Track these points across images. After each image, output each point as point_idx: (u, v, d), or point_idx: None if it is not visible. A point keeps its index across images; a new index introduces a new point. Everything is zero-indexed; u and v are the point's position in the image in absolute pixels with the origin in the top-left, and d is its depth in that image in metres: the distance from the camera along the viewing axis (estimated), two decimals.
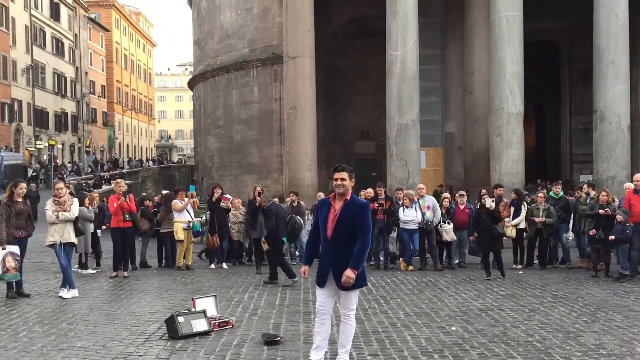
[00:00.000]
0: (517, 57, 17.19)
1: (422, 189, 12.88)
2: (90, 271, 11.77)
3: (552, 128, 28.65)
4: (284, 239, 11.00)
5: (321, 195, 14.33)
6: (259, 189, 12.20)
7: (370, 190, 13.03)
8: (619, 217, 10.43)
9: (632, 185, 11.08)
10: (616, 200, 11.69)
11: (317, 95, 19.29)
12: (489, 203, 11.30)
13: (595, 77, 17.31)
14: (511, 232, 12.30)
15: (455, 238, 12.43)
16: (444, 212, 12.42)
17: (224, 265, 12.67)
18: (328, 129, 25.27)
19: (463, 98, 21.61)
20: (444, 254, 12.61)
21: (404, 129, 17.38)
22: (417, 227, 12.08)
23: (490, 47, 17.76)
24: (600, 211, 10.76)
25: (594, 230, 10.89)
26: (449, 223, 12.29)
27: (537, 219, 12.06)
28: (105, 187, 31.61)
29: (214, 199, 12.49)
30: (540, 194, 12.63)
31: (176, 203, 12.30)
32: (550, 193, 12.97)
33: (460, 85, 21.91)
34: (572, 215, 12.53)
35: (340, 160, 26.42)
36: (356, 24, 24.73)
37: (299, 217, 11.43)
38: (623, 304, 8.39)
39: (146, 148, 79.59)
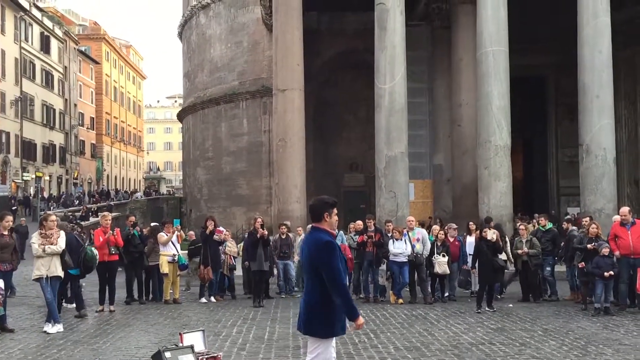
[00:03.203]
0: (503, 91, 17.43)
1: (412, 221, 12.88)
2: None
3: (539, 161, 28.92)
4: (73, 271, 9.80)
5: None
6: (260, 220, 12.22)
7: (359, 222, 13.02)
8: (605, 250, 10.47)
9: (619, 218, 11.16)
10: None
11: (306, 128, 19.38)
12: (490, 235, 11.33)
13: (580, 111, 17.56)
14: None
15: (449, 271, 12.39)
16: (439, 244, 12.39)
17: (213, 298, 12.53)
18: (317, 161, 25.35)
19: (451, 131, 21.82)
20: (436, 286, 12.54)
21: (392, 161, 17.47)
22: (407, 260, 12.04)
23: (477, 81, 18.02)
24: (589, 245, 10.80)
25: (582, 263, 10.91)
26: (444, 256, 12.25)
27: (520, 251, 12.09)
28: (92, 220, 31.33)
29: (207, 232, 12.42)
30: (522, 226, 12.68)
31: (161, 236, 12.21)
32: (539, 226, 13.03)
33: (448, 118, 22.13)
34: (560, 247, 12.55)
35: (329, 193, 26.37)
36: (345, 57, 25.05)
37: (90, 248, 10.32)
38: (613, 337, 8.36)
39: (134, 180, 79.24)
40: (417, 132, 22.32)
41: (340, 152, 26.96)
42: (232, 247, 13.29)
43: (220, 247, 12.95)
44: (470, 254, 12.48)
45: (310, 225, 4.55)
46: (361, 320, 4.30)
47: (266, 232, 12.29)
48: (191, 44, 33.52)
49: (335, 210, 4.45)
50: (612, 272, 10.32)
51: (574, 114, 18.47)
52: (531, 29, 22.22)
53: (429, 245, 12.37)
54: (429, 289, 12.34)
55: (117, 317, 10.41)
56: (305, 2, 19.14)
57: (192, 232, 15.45)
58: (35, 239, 8.91)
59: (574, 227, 12.91)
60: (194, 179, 32.67)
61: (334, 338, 4.40)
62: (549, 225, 12.84)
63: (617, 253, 10.63)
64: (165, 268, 12.08)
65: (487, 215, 16.97)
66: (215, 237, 12.65)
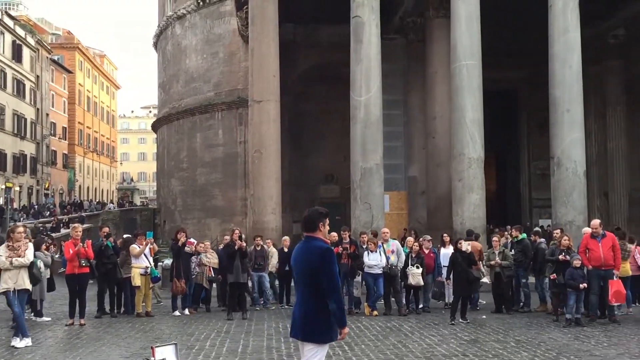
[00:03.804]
0: (477, 104, 17.66)
1: (387, 233, 12.92)
2: (45, 319, 11.33)
3: (512, 173, 29.33)
4: None
5: (286, 239, 14.28)
6: (238, 232, 12.18)
7: (334, 234, 13.01)
8: (577, 262, 10.63)
9: (589, 230, 11.35)
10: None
11: (282, 139, 19.37)
12: (465, 246, 11.41)
13: (551, 125, 17.86)
14: None
15: (423, 283, 12.43)
16: (414, 256, 12.44)
17: (186, 311, 12.38)
18: (293, 172, 25.33)
19: (426, 143, 22.01)
20: (411, 297, 12.56)
21: (367, 172, 17.53)
22: (381, 272, 12.06)
23: (451, 94, 18.23)
24: (560, 257, 10.96)
25: (554, 274, 11.05)
26: (418, 267, 12.29)
27: (492, 262, 12.21)
28: (63, 231, 30.78)
29: (179, 244, 12.28)
30: (495, 238, 12.82)
31: (133, 248, 12.06)
32: (512, 237, 13.18)
33: (422, 130, 22.33)
34: (533, 258, 12.70)
35: (305, 204, 26.39)
36: (321, 69, 25.15)
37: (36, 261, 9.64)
38: (584, 348, 8.46)
39: (107, 191, 78.17)
40: (393, 144, 22.48)
41: (316, 163, 27.00)
42: (212, 259, 13.14)
43: (194, 259, 12.82)
44: (444, 266, 12.56)
45: (305, 235, 4.65)
46: (347, 329, 4.50)
47: (244, 244, 12.23)
48: (166, 54, 33.35)
49: (327, 221, 4.63)
50: (584, 285, 10.47)
51: (545, 127, 18.78)
52: (504, 43, 22.60)
53: (403, 257, 12.42)
54: (404, 301, 12.37)
55: (88, 330, 10.21)
56: (282, 14, 19.20)
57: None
58: (2, 252, 8.71)
59: (542, 240, 13.12)
60: (168, 190, 32.38)
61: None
62: (522, 236, 13.00)
63: (589, 267, 10.78)
64: (137, 280, 11.92)
65: (461, 226, 17.16)
66: (187, 249, 12.53)
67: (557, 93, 17.53)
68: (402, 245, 13.14)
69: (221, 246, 13.35)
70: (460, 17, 17.67)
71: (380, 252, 12.14)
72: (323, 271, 4.40)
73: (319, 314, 4.40)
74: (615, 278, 10.79)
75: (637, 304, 13.15)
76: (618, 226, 21.79)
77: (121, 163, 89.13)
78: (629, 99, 24.59)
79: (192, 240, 13.32)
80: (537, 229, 18.23)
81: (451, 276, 11.79)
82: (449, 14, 18.58)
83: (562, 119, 17.43)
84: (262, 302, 13.36)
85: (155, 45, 36.30)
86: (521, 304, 12.60)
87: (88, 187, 69.88)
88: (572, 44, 17.46)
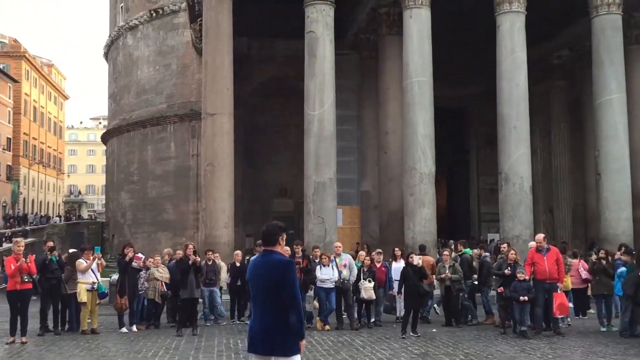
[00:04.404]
0: (428, 120, 17.99)
1: (339, 247, 12.95)
2: None
3: (462, 188, 29.94)
4: None
5: (239, 253, 14.13)
6: (191, 246, 11.99)
7: (287, 248, 12.93)
8: (520, 275, 10.90)
9: (535, 244, 11.66)
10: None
11: (235, 152, 19.24)
12: (416, 260, 11.54)
13: (499, 141, 18.37)
14: None
15: (374, 297, 12.49)
16: (365, 270, 12.49)
17: (134, 328, 12.07)
18: (246, 186, 25.17)
19: (378, 158, 22.25)
20: (363, 312, 12.60)
21: (321, 187, 17.58)
22: (334, 286, 12.07)
23: (404, 110, 18.52)
24: (505, 271, 11.23)
25: (502, 288, 11.30)
26: (370, 281, 12.34)
27: (443, 275, 12.40)
28: (6, 245, 29.64)
29: (126, 259, 11.97)
30: (446, 252, 13.04)
31: (80, 263, 11.70)
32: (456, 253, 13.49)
33: (375, 145, 22.57)
34: (477, 272, 12.98)
35: (258, 218, 26.28)
36: (276, 83, 25.18)
37: None
38: None
39: (53, 204, 75.74)
40: (346, 158, 22.63)
41: (270, 177, 26.91)
42: (163, 273, 12.88)
43: (142, 274, 12.53)
44: (396, 280, 12.67)
45: (262, 249, 4.68)
46: (304, 341, 4.55)
47: (198, 259, 12.05)
48: (117, 65, 32.77)
49: (285, 235, 4.70)
50: (525, 298, 10.72)
51: (493, 143, 19.28)
52: (455, 61, 23.15)
53: (355, 271, 12.46)
54: (356, 315, 12.39)
55: (30, 349, 9.82)
56: (236, 27, 19.17)
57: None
58: None
59: (487, 253, 13.45)
60: (117, 203, 31.66)
61: None
62: (465, 250, 13.30)
63: (527, 277, 11.06)
64: (83, 296, 11.55)
65: (412, 240, 17.36)
66: (134, 264, 12.24)
67: (505, 110, 18.05)
68: (355, 259, 13.19)
69: (173, 261, 13.09)
70: (412, 35, 18.03)
71: (332, 266, 12.15)
72: (285, 284, 4.44)
73: (281, 328, 4.42)
74: (559, 291, 11.12)
75: (580, 316, 13.56)
76: (564, 240, 22.53)
77: (68, 175, 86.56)
78: (573, 117, 25.54)
79: (139, 255, 13.03)
80: (481, 243, 18.53)
81: (402, 290, 11.89)
82: (401, 32, 18.95)
83: (509, 136, 17.94)
84: (212, 317, 13.15)
85: (106, 55, 35.62)
86: (469, 317, 12.81)
87: (33, 200, 67.53)
88: (519, 64, 18.04)
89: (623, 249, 13.21)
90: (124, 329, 11.86)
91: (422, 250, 14.05)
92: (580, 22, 20.93)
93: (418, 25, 17.99)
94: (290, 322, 4.41)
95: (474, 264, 13.26)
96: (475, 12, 19.76)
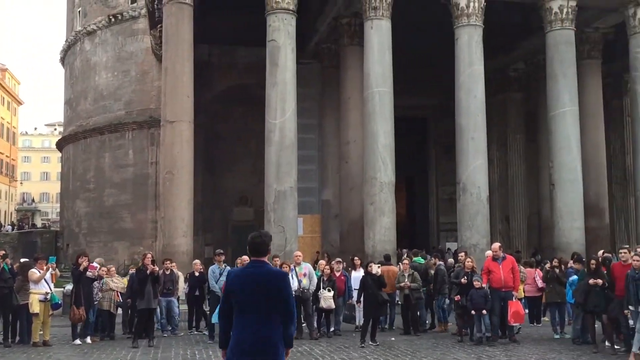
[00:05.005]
0: (388, 130, 18.18)
1: (299, 256, 12.92)
2: None
3: (421, 198, 30.29)
4: None
5: (197, 263, 13.93)
6: (150, 256, 11.79)
7: (245, 257, 12.84)
8: (477, 283, 11.09)
9: (491, 253, 11.89)
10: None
11: (195, 160, 19.03)
12: (375, 269, 11.60)
13: (457, 151, 18.69)
14: None
15: (334, 306, 12.49)
16: (325, 279, 12.48)
17: (88, 339, 11.76)
18: (206, 194, 24.90)
19: (339, 167, 22.35)
20: (322, 321, 12.58)
21: (281, 195, 17.53)
22: (293, 295, 12.01)
23: (364, 119, 18.68)
24: (462, 280, 11.41)
25: (458, 296, 11.46)
26: (329, 290, 12.34)
27: (402, 284, 12.51)
28: None
29: (80, 269, 11.67)
30: (406, 261, 13.17)
31: (33, 272, 11.36)
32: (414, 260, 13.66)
33: (336, 154, 22.67)
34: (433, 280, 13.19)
35: (218, 227, 26.04)
36: (237, 90, 25.05)
37: None
38: None
39: (5, 212, 73.40)
40: (307, 167, 22.66)
41: (230, 185, 26.69)
42: (118, 283, 12.63)
43: (96, 284, 12.24)
44: (355, 289, 12.70)
45: (251, 259, 4.63)
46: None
47: (157, 268, 11.86)
48: (74, 70, 32.08)
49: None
50: (484, 311, 10.90)
51: (451, 153, 19.60)
52: (415, 72, 23.50)
53: (315, 280, 12.45)
54: (315, 324, 12.37)
55: None
56: (197, 34, 19.01)
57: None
58: None
59: (441, 262, 13.67)
60: (72, 211, 30.88)
61: None
62: (415, 259, 13.51)
63: (484, 285, 11.27)
64: (35, 307, 11.20)
65: (372, 249, 17.46)
66: (89, 273, 11.95)
67: (463, 122, 18.39)
68: (314, 269, 13.18)
69: (132, 270, 12.87)
70: (373, 46, 18.22)
71: (292, 275, 12.10)
72: (284, 297, 4.47)
73: (276, 338, 4.42)
74: (514, 299, 11.35)
75: (535, 323, 13.85)
76: (518, 249, 23.04)
77: (21, 183, 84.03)
78: (528, 129, 26.21)
79: (94, 264, 12.73)
80: (435, 252, 18.74)
81: (361, 299, 11.93)
82: (362, 42, 19.14)
83: (467, 146, 18.27)
84: (170, 328, 12.93)
85: (63, 60, 34.81)
86: (427, 324, 12.95)
87: None
88: (476, 76, 18.43)
89: (575, 257, 13.57)
90: (77, 341, 11.55)
91: (387, 260, 14.14)
92: (536, 36, 21.54)
93: (379, 36, 18.21)
94: (289, 333, 4.49)
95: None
96: (434, 25, 20.12)
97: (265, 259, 4.58)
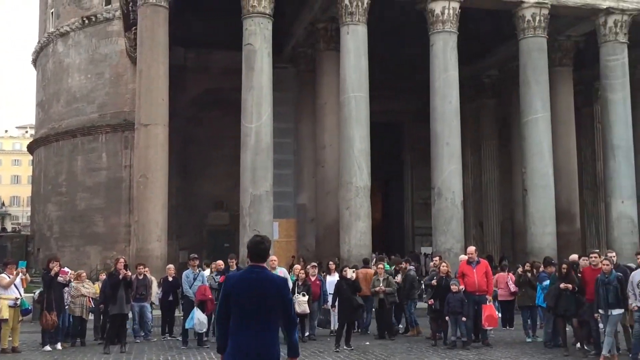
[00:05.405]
0: (364, 134, 18.25)
1: (274, 260, 12.83)
2: None
3: (397, 202, 30.44)
4: None
5: (171, 267, 13.77)
6: (122, 260, 11.63)
7: (220, 262, 12.78)
8: (453, 287, 11.17)
9: (466, 257, 12.00)
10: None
11: (170, 164, 18.86)
12: (350, 274, 11.60)
13: (432, 157, 18.85)
14: None
15: (309, 310, 12.45)
16: (300, 284, 12.44)
17: (59, 345, 11.54)
18: (181, 198, 24.68)
19: (315, 171, 22.36)
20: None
21: (257, 200, 17.47)
22: None
23: (340, 124, 18.73)
24: (432, 282, 11.55)
25: (432, 300, 11.54)
26: (304, 295, 12.30)
27: (377, 288, 12.54)
28: None
29: (51, 273, 11.46)
30: (380, 265, 13.21)
31: (3, 278, 11.11)
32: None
33: (312, 158, 22.69)
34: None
35: (193, 231, 25.81)
36: (214, 94, 24.92)
37: None
38: None
39: None
40: (283, 171, 22.62)
41: (205, 189, 26.49)
42: (90, 289, 12.42)
43: (66, 289, 12.02)
44: (330, 293, 12.70)
45: (251, 264, 4.58)
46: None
47: (129, 273, 11.70)
48: (47, 72, 31.59)
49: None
50: (464, 319, 11.00)
51: (427, 159, 19.77)
52: (391, 78, 23.65)
53: (290, 285, 12.38)
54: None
55: None
56: (172, 37, 18.89)
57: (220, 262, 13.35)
58: None
59: (411, 267, 13.77)
60: (44, 215, 30.34)
61: None
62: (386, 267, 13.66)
63: (461, 288, 11.37)
64: (5, 313, 10.94)
65: (348, 254, 17.49)
66: (60, 278, 11.73)
67: (438, 127, 18.55)
68: (290, 273, 13.14)
69: (103, 276, 12.68)
70: (349, 51, 18.29)
71: None
72: (286, 303, 4.47)
73: (276, 345, 4.44)
74: (488, 303, 11.46)
75: (507, 327, 14.00)
76: (490, 254, 23.31)
77: None
78: (501, 134, 26.55)
79: (65, 269, 12.51)
80: (405, 257, 18.78)
81: (336, 303, 11.93)
82: (338, 47, 19.22)
83: (442, 152, 18.43)
84: (142, 333, 12.76)
85: (35, 62, 34.25)
86: (401, 328, 13.02)
87: None
88: (451, 82, 18.62)
89: (546, 261, 13.75)
90: (48, 347, 11.33)
91: (366, 264, 14.18)
92: (509, 43, 21.85)
93: (355, 41, 18.29)
94: (293, 340, 4.51)
95: (398, 277, 13.42)
96: (410, 31, 20.30)
97: (264, 264, 4.57)
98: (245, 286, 4.48)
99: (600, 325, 9.82)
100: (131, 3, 20.21)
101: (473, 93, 26.07)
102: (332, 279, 13.11)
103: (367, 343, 11.85)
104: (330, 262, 14.15)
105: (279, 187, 20.98)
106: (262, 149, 17.72)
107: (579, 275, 10.53)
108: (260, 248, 4.55)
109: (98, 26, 28.70)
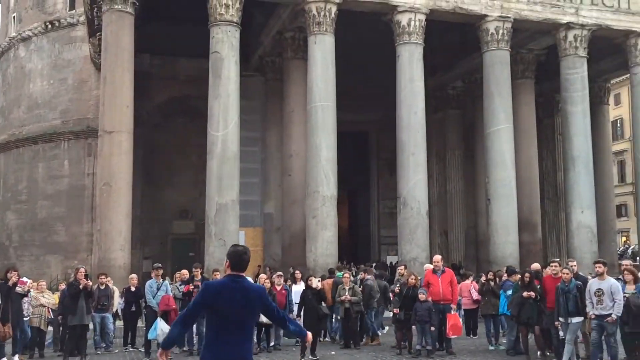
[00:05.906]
0: (331, 143, 18.31)
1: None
2: None
3: (363, 212, 30.58)
4: None
5: (134, 277, 13.53)
6: (83, 270, 11.40)
7: (184, 271, 12.63)
8: (421, 296, 11.26)
9: (431, 266, 12.11)
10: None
11: (134, 172, 18.57)
12: (315, 283, 11.59)
13: (398, 166, 19.02)
14: None
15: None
16: None
17: (16, 358, 11.20)
18: (145, 206, 24.32)
19: (282, 180, 22.31)
20: (262, 335, 12.46)
21: (223, 208, 17.32)
22: None
23: (307, 133, 18.75)
24: (396, 289, 11.67)
25: (397, 309, 11.60)
26: None
27: (342, 297, 12.56)
28: None
29: (9, 284, 11.13)
30: (347, 274, 13.25)
31: None
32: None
33: (279, 167, 22.64)
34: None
35: (157, 240, 25.44)
36: (179, 102, 24.71)
37: None
38: None
39: None
40: (249, 180, 22.50)
41: (170, 198, 26.18)
42: (49, 299, 12.14)
43: (26, 299, 11.71)
44: (296, 303, 12.66)
45: (233, 273, 4.58)
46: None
47: (90, 283, 11.48)
48: (7, 77, 30.85)
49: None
50: (432, 327, 11.08)
51: (393, 168, 19.93)
52: (358, 88, 23.81)
53: None
54: (255, 339, 12.21)
55: None
56: (137, 44, 18.66)
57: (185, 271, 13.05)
58: None
59: (369, 277, 13.85)
60: (2, 224, 29.50)
61: None
62: (339, 275, 13.73)
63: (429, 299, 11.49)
64: None
65: (314, 263, 17.47)
66: (19, 289, 11.41)
67: (404, 137, 18.74)
68: (255, 282, 13.05)
69: (62, 286, 12.39)
70: (316, 61, 18.36)
71: None
72: (271, 308, 4.69)
73: (251, 353, 4.55)
74: (452, 312, 11.57)
75: (471, 335, 14.16)
76: (454, 263, 23.58)
77: None
78: (466, 145, 26.94)
79: (24, 279, 12.18)
80: (363, 266, 18.81)
81: (302, 313, 11.90)
82: (306, 56, 19.27)
83: (408, 162, 18.61)
84: (104, 345, 12.50)
85: None
86: (364, 337, 13.05)
87: None
88: (417, 92, 18.85)
89: (508, 270, 13.98)
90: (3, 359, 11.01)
91: (332, 274, 14.19)
92: (473, 56, 22.25)
93: (322, 51, 18.37)
94: (293, 331, 4.91)
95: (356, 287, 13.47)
96: (377, 41, 20.49)
97: (244, 274, 4.63)
98: (230, 296, 4.48)
99: (561, 333, 10.01)
100: (96, 8, 19.92)
101: (438, 104, 26.42)
102: (298, 288, 13.07)
103: (333, 353, 11.83)
104: (296, 271, 14.13)
105: (246, 196, 20.86)
106: (229, 157, 17.61)
107: (540, 284, 10.73)
108: (243, 258, 4.62)
109: (61, 31, 28.18)
